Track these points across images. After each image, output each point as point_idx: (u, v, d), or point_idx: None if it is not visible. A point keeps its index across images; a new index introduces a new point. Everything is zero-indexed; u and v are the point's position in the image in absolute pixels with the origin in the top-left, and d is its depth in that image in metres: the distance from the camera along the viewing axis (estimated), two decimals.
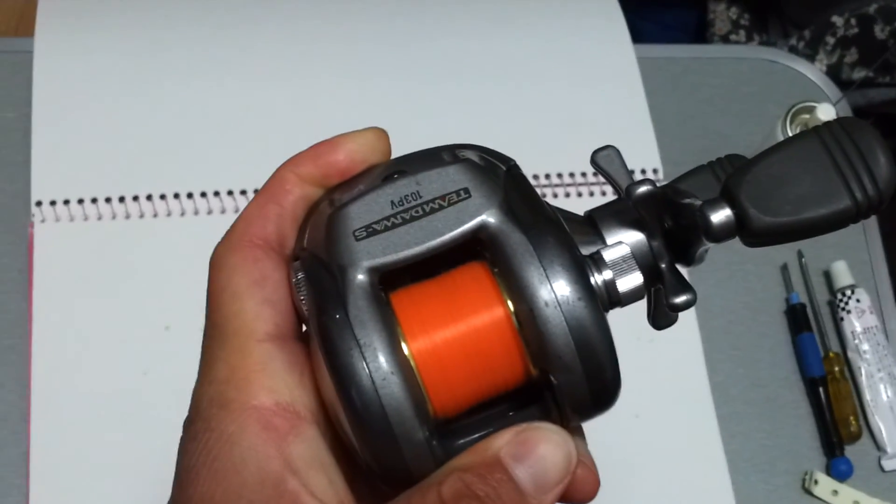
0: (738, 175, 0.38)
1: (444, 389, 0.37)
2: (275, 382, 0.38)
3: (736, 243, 0.86)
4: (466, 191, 0.38)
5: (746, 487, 0.85)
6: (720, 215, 0.37)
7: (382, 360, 0.36)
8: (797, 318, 0.92)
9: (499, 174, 0.39)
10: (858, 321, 0.91)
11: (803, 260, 0.94)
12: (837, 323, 0.93)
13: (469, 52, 1.00)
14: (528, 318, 0.36)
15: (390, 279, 0.38)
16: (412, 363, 0.36)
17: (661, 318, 0.43)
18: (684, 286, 0.39)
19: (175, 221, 0.86)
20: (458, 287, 0.38)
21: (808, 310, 0.93)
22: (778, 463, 0.87)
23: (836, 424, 0.88)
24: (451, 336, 0.37)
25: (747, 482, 0.85)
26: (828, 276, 0.95)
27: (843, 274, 0.93)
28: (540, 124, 0.95)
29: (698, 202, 0.38)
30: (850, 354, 0.91)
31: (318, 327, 0.37)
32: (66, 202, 0.86)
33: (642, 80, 0.99)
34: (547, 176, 0.93)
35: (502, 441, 0.36)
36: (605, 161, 0.43)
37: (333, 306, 0.36)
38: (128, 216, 0.86)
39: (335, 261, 0.37)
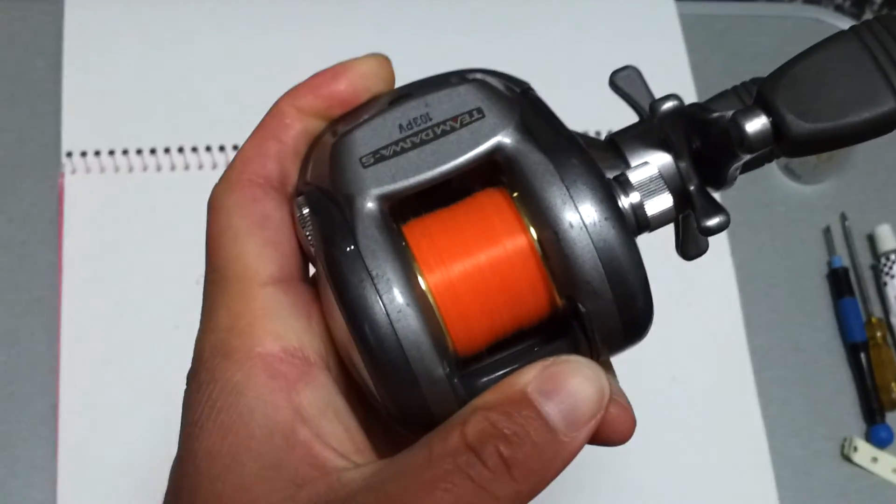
0: (772, 79, 0.36)
1: (464, 324, 0.35)
2: (281, 327, 0.36)
3: (778, 206, 0.84)
4: (480, 111, 0.36)
5: (784, 453, 0.83)
6: (755, 123, 0.35)
7: (397, 293, 0.34)
8: (839, 283, 0.90)
9: (514, 95, 0.37)
10: None
11: (847, 223, 0.92)
12: (881, 287, 0.91)
13: (501, 7, 0.98)
14: (552, 242, 0.34)
15: (402, 209, 0.36)
16: (429, 297, 0.35)
17: (691, 245, 0.41)
18: (716, 207, 0.37)
19: (207, 174, 0.85)
20: (476, 214, 0.36)
21: (851, 274, 0.91)
22: (817, 429, 0.85)
23: (877, 391, 0.86)
24: (470, 267, 0.35)
25: (785, 447, 0.84)
26: (871, 240, 0.92)
27: (887, 237, 0.91)
28: (577, 82, 0.92)
29: (729, 114, 0.36)
30: (893, 320, 0.89)
31: (326, 261, 0.35)
32: (97, 153, 0.85)
33: (684, 38, 0.97)
34: (591, 132, 0.90)
35: (529, 376, 0.33)
36: (626, 82, 0.41)
37: (342, 238, 0.34)
38: (159, 168, 0.85)
39: (341, 190, 0.35)
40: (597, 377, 0.34)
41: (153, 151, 0.85)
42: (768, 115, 0.35)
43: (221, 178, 0.38)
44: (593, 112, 0.90)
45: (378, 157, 0.35)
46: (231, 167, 0.38)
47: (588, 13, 0.98)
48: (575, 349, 0.36)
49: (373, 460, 0.36)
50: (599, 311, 0.35)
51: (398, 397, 0.34)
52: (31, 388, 0.79)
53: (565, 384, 0.33)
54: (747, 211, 0.91)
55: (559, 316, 0.36)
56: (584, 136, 0.38)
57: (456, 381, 0.35)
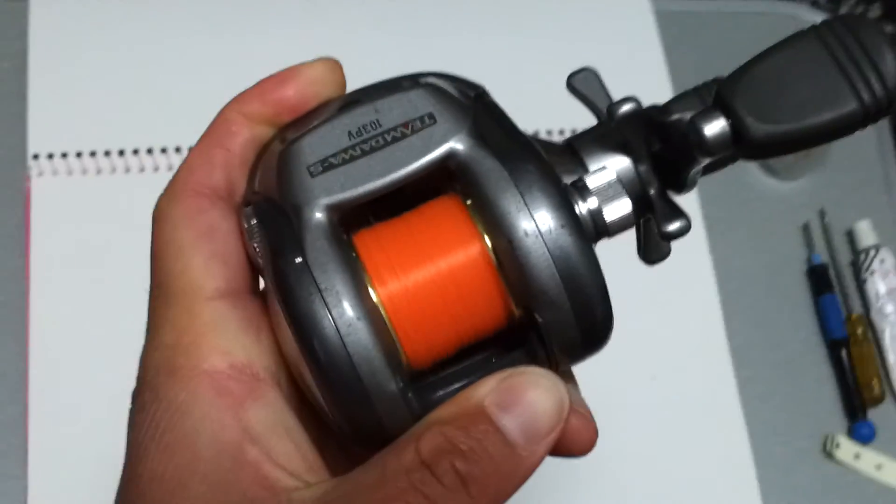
0: (731, 81, 0.35)
1: (417, 337, 0.34)
2: (228, 343, 0.34)
3: (755, 202, 0.83)
4: (431, 116, 0.35)
5: (766, 451, 0.82)
6: (714, 126, 0.34)
7: (347, 306, 0.32)
8: (819, 279, 0.89)
9: (467, 100, 0.36)
10: (883, 282, 0.88)
11: (826, 219, 0.91)
12: (860, 284, 0.90)
13: (470, 5, 0.96)
14: (507, 251, 0.33)
15: (353, 219, 0.35)
16: (381, 309, 0.33)
17: (653, 250, 0.40)
18: (676, 212, 0.36)
19: None
20: (428, 223, 0.35)
21: (831, 270, 0.90)
22: (799, 426, 0.84)
23: (859, 387, 0.85)
24: (423, 277, 0.34)
25: (767, 446, 0.83)
26: (851, 236, 0.91)
27: (866, 233, 0.90)
28: (549, 79, 0.91)
29: (688, 115, 0.35)
30: (874, 316, 0.88)
31: (273, 274, 0.33)
32: (64, 155, 0.83)
33: (659, 35, 0.96)
34: (561, 132, 0.90)
35: (486, 389, 0.32)
36: (583, 84, 0.40)
37: (289, 250, 0.33)
38: (128, 170, 0.83)
39: (289, 200, 0.34)
40: (556, 388, 0.33)
41: (121, 153, 0.84)
42: (727, 117, 0.34)
43: (166, 189, 0.37)
44: (566, 111, 0.89)
45: (326, 165, 0.34)
46: (175, 177, 0.37)
47: (561, 10, 0.97)
48: (533, 360, 0.35)
49: (326, 479, 0.34)
50: (556, 321, 0.34)
51: (350, 414, 0.33)
52: None
53: (523, 396, 0.32)
54: (725, 208, 0.90)
55: (517, 325, 0.35)
56: (541, 141, 0.37)
57: (410, 395, 0.33)
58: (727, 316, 0.86)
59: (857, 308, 0.89)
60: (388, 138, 0.35)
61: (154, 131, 0.85)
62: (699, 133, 0.34)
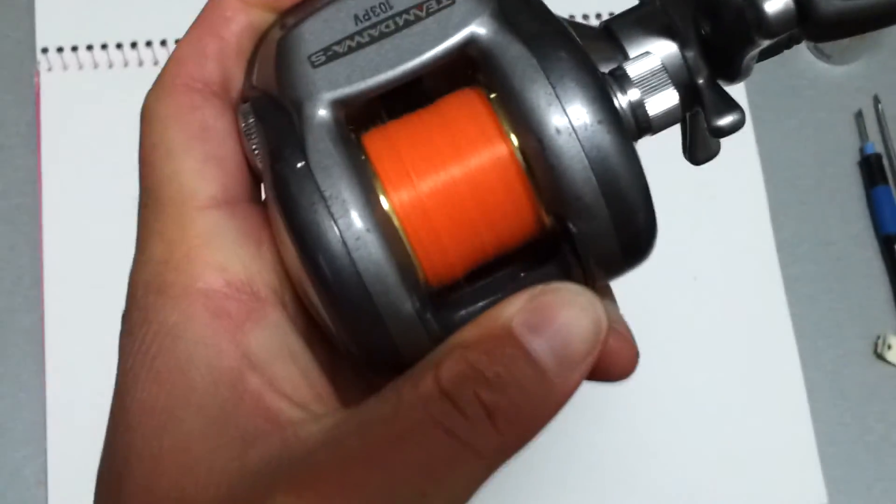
0: None
1: (436, 249, 0.30)
2: (224, 257, 0.31)
3: (805, 89, 0.78)
4: None
5: (814, 353, 0.79)
6: (777, 2, 0.30)
7: (355, 216, 0.29)
8: (872, 170, 0.84)
9: None
10: None
11: (880, 106, 0.86)
12: None
13: None
14: (536, 151, 0.29)
15: (362, 116, 0.31)
16: (394, 219, 0.30)
17: (700, 148, 0.36)
18: (729, 104, 0.32)
19: None
20: (447, 121, 0.31)
21: (885, 160, 0.84)
22: (848, 327, 0.80)
23: None
24: (442, 182, 0.30)
25: (815, 347, 0.79)
26: None
27: None
28: None
29: None
30: None
31: (273, 179, 0.30)
32: (74, 49, 0.79)
33: None
34: (585, 17, 0.84)
35: (514, 308, 0.29)
36: None
37: (290, 152, 0.29)
38: (140, 63, 0.79)
39: (289, 96, 0.30)
40: (592, 307, 0.29)
41: (133, 45, 0.80)
42: None
43: (154, 84, 0.33)
44: None
45: (330, 54, 0.30)
46: (164, 71, 0.33)
47: None
48: (567, 274, 0.31)
49: (337, 409, 0.31)
50: (592, 232, 0.30)
51: (361, 338, 0.30)
52: (15, 301, 0.75)
53: (556, 316, 0.29)
54: (772, 95, 0.85)
55: (549, 236, 0.31)
56: (576, 24, 0.33)
57: (429, 316, 0.30)
58: (773, 211, 0.82)
59: None
60: (400, 22, 0.31)
61: (168, 22, 0.80)
62: (759, 9, 0.30)
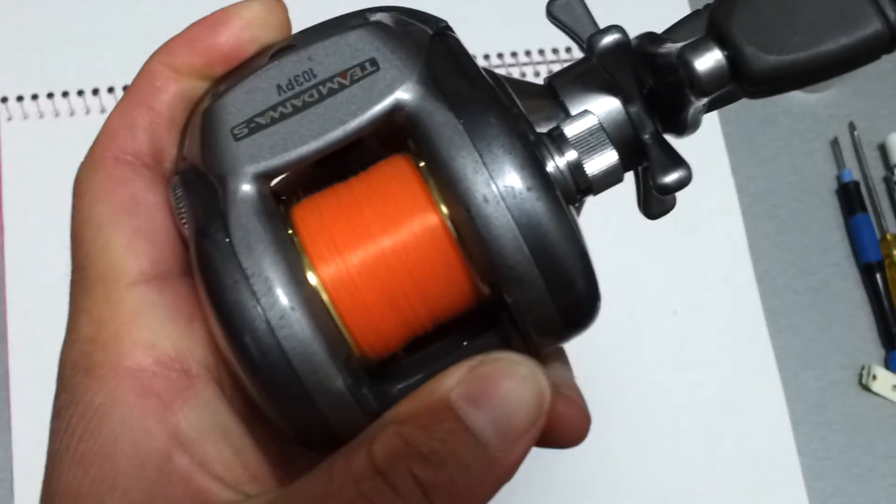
0: (726, 3, 0.30)
1: (368, 323, 0.29)
2: (153, 335, 0.30)
3: (780, 117, 0.77)
4: (373, 62, 0.30)
5: (797, 385, 0.77)
6: (707, 60, 0.29)
7: (279, 294, 0.28)
8: (850, 198, 0.82)
9: (420, 39, 0.31)
10: None
11: (856, 133, 0.85)
12: (895, 201, 0.83)
13: None
14: (465, 221, 0.28)
15: (291, 187, 0.30)
16: (322, 294, 0.29)
17: (654, 203, 0.35)
18: (674, 160, 0.31)
19: None
20: (376, 190, 0.30)
21: (862, 188, 0.83)
22: (831, 358, 0.79)
23: None
24: (371, 255, 0.29)
25: (798, 380, 0.77)
26: (883, 150, 0.85)
27: None
28: None
29: (679, 45, 0.30)
30: None
31: (197, 255, 0.29)
32: (35, 97, 0.78)
33: None
34: (513, 54, 0.83)
35: (452, 380, 0.28)
36: (564, 11, 0.34)
37: (214, 228, 0.28)
38: (103, 110, 0.78)
39: (213, 169, 0.29)
40: (533, 377, 0.28)
41: (95, 92, 0.78)
42: (723, 48, 0.29)
43: (86, 156, 0.32)
44: (520, 26, 0.82)
45: (253, 126, 0.29)
46: (95, 142, 0.32)
47: None
48: (508, 343, 0.30)
49: (272, 488, 0.30)
50: (528, 301, 0.29)
51: (291, 418, 0.29)
52: None
53: (496, 388, 0.27)
54: (746, 124, 0.84)
55: (489, 303, 0.30)
56: (516, 82, 0.32)
57: (364, 390, 0.29)
58: (752, 242, 0.80)
59: (892, 227, 0.83)
60: (324, 91, 0.30)
61: (130, 67, 0.79)
62: (690, 68, 0.29)
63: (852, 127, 0.85)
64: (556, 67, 0.81)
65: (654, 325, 0.76)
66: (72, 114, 0.78)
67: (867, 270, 0.81)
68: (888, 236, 0.81)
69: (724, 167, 0.82)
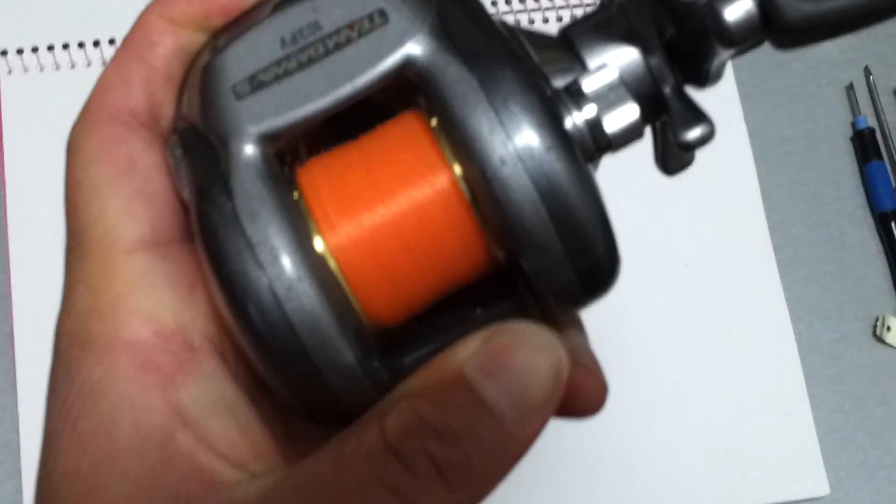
0: None
1: (378, 291, 0.28)
2: (153, 305, 0.28)
3: (794, 63, 0.75)
4: (382, 13, 0.28)
5: (810, 337, 0.76)
6: (737, 9, 0.28)
7: (285, 263, 0.26)
8: (865, 145, 0.81)
9: None
10: None
11: (871, 78, 0.83)
12: None
13: None
14: (480, 183, 0.27)
15: (294, 148, 0.29)
16: (330, 262, 0.27)
17: (673, 158, 0.34)
18: (696, 115, 0.30)
19: None
20: (385, 150, 0.28)
21: (878, 135, 0.82)
22: (845, 309, 0.78)
23: None
24: (380, 219, 0.28)
25: (811, 331, 0.76)
26: None
27: None
28: None
29: None
30: None
31: (198, 222, 0.27)
32: (35, 50, 0.76)
33: None
34: (507, 1, 0.81)
35: (466, 352, 0.26)
36: None
37: (216, 192, 0.27)
38: (104, 62, 0.76)
39: (214, 130, 0.28)
40: (550, 348, 0.26)
41: (96, 44, 0.76)
42: None
43: (79, 114, 0.30)
44: None
45: (255, 83, 0.28)
46: (89, 100, 0.31)
47: None
48: (524, 311, 0.29)
49: (279, 466, 0.29)
50: (546, 268, 0.28)
51: (300, 393, 0.27)
52: None
53: (511, 359, 0.26)
54: (759, 71, 0.82)
55: (504, 269, 0.29)
56: (530, 33, 0.30)
57: (375, 364, 0.28)
58: (765, 191, 0.79)
59: None
60: (330, 45, 0.28)
61: (130, 19, 0.78)
62: (719, 18, 0.28)
63: (867, 72, 0.83)
64: (566, 13, 0.79)
65: (665, 277, 0.75)
66: (72, 66, 0.76)
67: (882, 219, 0.79)
68: None
69: (736, 114, 0.80)
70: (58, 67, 0.76)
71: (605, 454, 0.71)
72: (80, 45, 0.76)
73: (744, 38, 0.29)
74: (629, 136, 0.29)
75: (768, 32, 0.29)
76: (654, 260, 0.75)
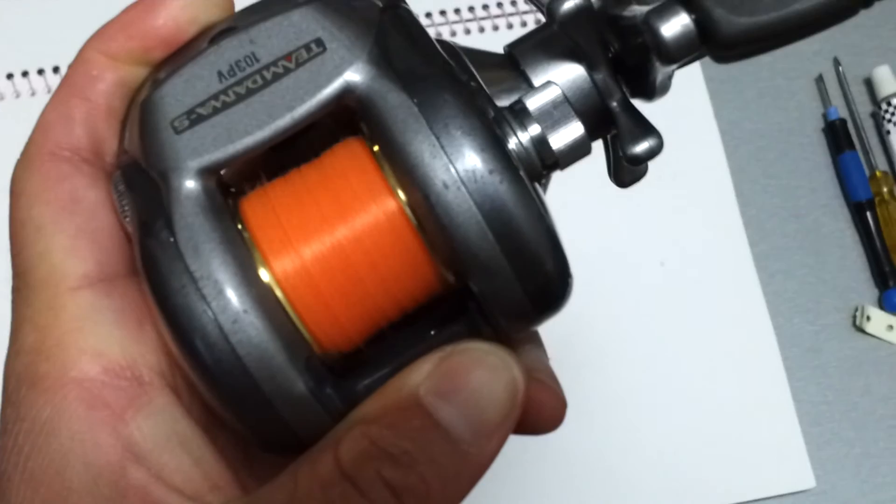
0: None
1: (327, 318, 0.28)
2: (100, 342, 0.28)
3: (762, 56, 0.75)
4: (319, 42, 0.28)
5: (790, 330, 0.76)
6: (674, 25, 0.28)
7: (230, 296, 0.26)
8: (837, 136, 0.81)
9: (369, 14, 0.29)
10: None
11: (840, 68, 0.83)
12: (883, 137, 0.81)
13: None
14: (424, 208, 0.27)
15: (238, 180, 0.29)
16: (277, 291, 0.27)
17: (625, 171, 0.34)
18: (644, 129, 0.30)
19: None
20: (329, 178, 0.28)
21: (850, 125, 0.81)
22: (824, 300, 0.77)
23: (888, 252, 0.78)
24: (326, 246, 0.27)
25: (790, 324, 0.76)
26: (870, 85, 0.83)
27: (887, 80, 0.81)
28: None
29: (644, 8, 0.28)
30: None
31: (141, 257, 0.27)
32: (10, 77, 0.75)
33: None
34: (456, 11, 0.80)
35: (420, 375, 0.26)
36: None
37: (159, 227, 0.27)
38: (49, 91, 0.75)
39: (154, 165, 0.28)
40: (505, 366, 0.26)
41: (41, 72, 0.76)
42: (690, 10, 0.28)
43: (21, 153, 0.30)
44: None
45: (194, 117, 0.28)
46: (30, 138, 0.30)
47: None
48: (478, 332, 0.29)
49: (235, 497, 0.28)
50: (495, 289, 0.27)
51: (252, 425, 0.27)
52: None
53: (466, 380, 0.26)
54: (728, 66, 0.81)
55: (455, 290, 0.29)
56: (476, 52, 0.30)
57: (328, 391, 0.27)
58: (738, 187, 0.79)
59: (881, 164, 0.81)
60: (268, 76, 0.28)
61: (74, 47, 0.77)
62: (656, 34, 0.28)
63: (837, 62, 0.83)
64: (502, 22, 0.79)
65: (641, 277, 0.75)
66: (17, 96, 0.75)
67: (857, 209, 0.79)
68: (878, 173, 0.79)
69: (706, 111, 0.80)
70: (2, 98, 0.75)
71: (588, 454, 0.71)
72: (24, 73, 0.75)
73: (682, 54, 0.29)
74: (575, 153, 0.29)
75: (707, 47, 0.28)
76: (630, 261, 0.75)
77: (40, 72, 0.76)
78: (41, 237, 0.29)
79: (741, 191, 0.79)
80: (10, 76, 0.75)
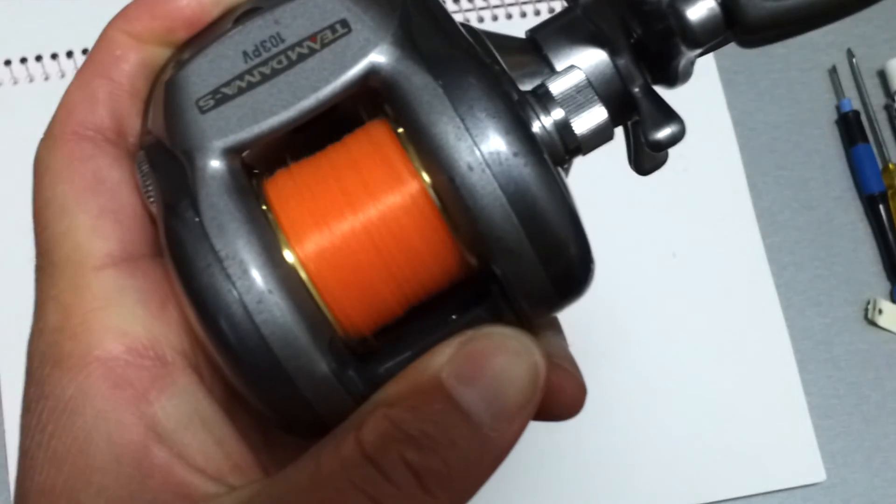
0: None
1: (350, 300, 0.28)
2: (124, 321, 0.28)
3: (776, 47, 0.74)
4: (344, 23, 0.28)
5: (802, 323, 0.76)
6: (699, 8, 0.28)
7: (255, 276, 0.26)
8: (850, 128, 0.80)
9: None
10: None
11: (854, 60, 0.82)
12: None
13: None
14: (448, 190, 0.27)
15: (265, 159, 0.28)
16: (301, 272, 0.27)
17: (646, 158, 0.34)
18: (666, 114, 0.30)
19: None
20: (353, 160, 0.28)
21: (863, 117, 0.81)
22: (836, 293, 0.77)
23: None
24: (349, 228, 0.28)
25: (802, 317, 0.76)
26: (883, 77, 0.83)
27: None
28: None
29: None
30: None
31: (166, 237, 0.27)
32: (23, 60, 0.75)
33: None
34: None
35: (442, 358, 0.26)
36: None
37: (183, 207, 0.27)
38: (63, 75, 0.75)
39: (179, 145, 0.28)
40: (527, 351, 0.26)
41: (54, 57, 0.75)
42: None
43: (45, 132, 0.30)
44: None
45: (219, 97, 0.28)
46: (54, 118, 0.30)
47: None
48: (499, 316, 0.28)
49: (257, 478, 0.28)
50: (518, 273, 0.27)
51: (275, 406, 0.27)
52: None
53: (488, 365, 0.26)
54: (741, 56, 0.82)
55: (477, 274, 0.29)
56: (497, 36, 0.30)
57: (350, 373, 0.27)
58: (751, 178, 0.78)
59: (894, 157, 0.81)
60: (293, 57, 0.28)
61: (89, 32, 0.77)
62: (682, 18, 0.28)
63: (850, 54, 0.83)
64: (530, 9, 0.79)
65: (654, 269, 0.75)
66: (31, 80, 0.75)
67: (870, 202, 0.79)
68: (890, 166, 0.79)
69: (719, 102, 0.80)
70: (16, 82, 0.75)
71: (599, 447, 0.71)
72: (38, 58, 0.75)
73: (707, 38, 0.29)
74: (598, 137, 0.29)
75: (732, 31, 0.28)
76: (643, 252, 0.75)
77: (54, 56, 0.75)
78: (65, 216, 0.29)
79: (753, 182, 0.78)
80: (23, 60, 0.75)
